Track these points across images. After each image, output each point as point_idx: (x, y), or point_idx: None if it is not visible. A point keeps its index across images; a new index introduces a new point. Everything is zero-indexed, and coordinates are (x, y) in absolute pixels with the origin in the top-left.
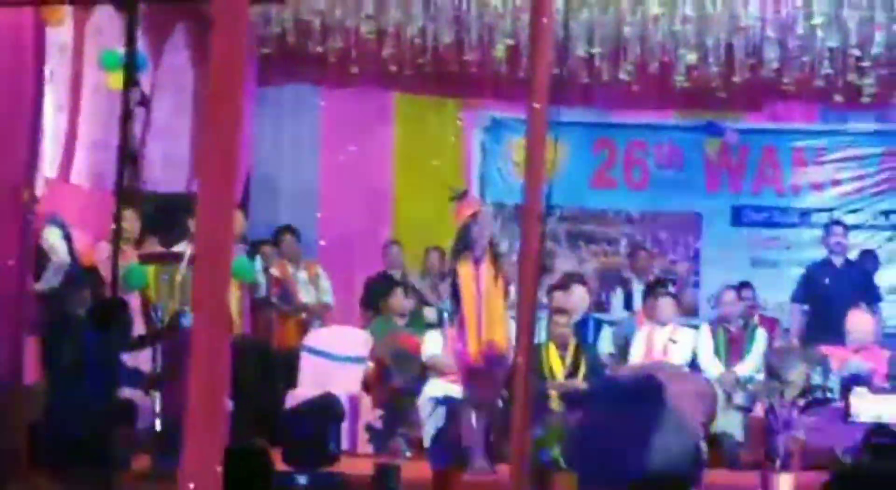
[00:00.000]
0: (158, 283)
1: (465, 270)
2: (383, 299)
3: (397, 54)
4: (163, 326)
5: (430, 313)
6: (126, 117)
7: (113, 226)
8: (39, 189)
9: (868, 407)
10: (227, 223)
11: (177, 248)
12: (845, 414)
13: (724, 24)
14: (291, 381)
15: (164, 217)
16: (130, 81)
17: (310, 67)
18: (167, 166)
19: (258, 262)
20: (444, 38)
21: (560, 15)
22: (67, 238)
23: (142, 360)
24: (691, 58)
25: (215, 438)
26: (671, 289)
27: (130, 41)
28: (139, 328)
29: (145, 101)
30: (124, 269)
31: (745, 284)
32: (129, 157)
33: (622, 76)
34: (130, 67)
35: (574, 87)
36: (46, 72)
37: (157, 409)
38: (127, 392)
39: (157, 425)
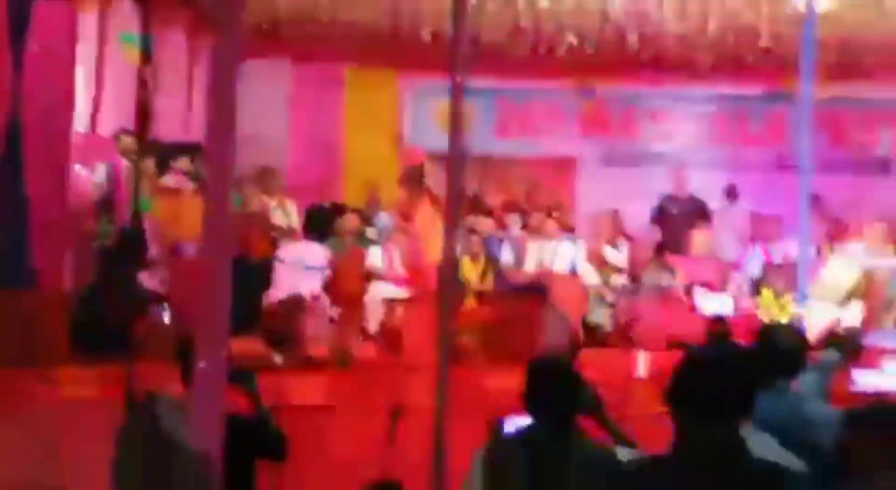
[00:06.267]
0: (167, 212)
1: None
2: (336, 221)
3: (349, 36)
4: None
5: (371, 233)
6: (142, 85)
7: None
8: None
9: (707, 302)
10: (228, 170)
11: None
12: (690, 308)
13: (597, 15)
14: (268, 284)
15: (173, 160)
16: (145, 58)
17: (280, 46)
18: (167, 120)
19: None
20: (383, 24)
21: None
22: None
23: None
24: (572, 40)
25: (222, 330)
26: (556, 214)
27: (146, 25)
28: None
29: (155, 73)
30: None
31: (613, 211)
32: (144, 114)
33: (519, 53)
34: (146, 46)
35: (483, 62)
36: (78, 50)
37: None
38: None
39: (166, 319)
